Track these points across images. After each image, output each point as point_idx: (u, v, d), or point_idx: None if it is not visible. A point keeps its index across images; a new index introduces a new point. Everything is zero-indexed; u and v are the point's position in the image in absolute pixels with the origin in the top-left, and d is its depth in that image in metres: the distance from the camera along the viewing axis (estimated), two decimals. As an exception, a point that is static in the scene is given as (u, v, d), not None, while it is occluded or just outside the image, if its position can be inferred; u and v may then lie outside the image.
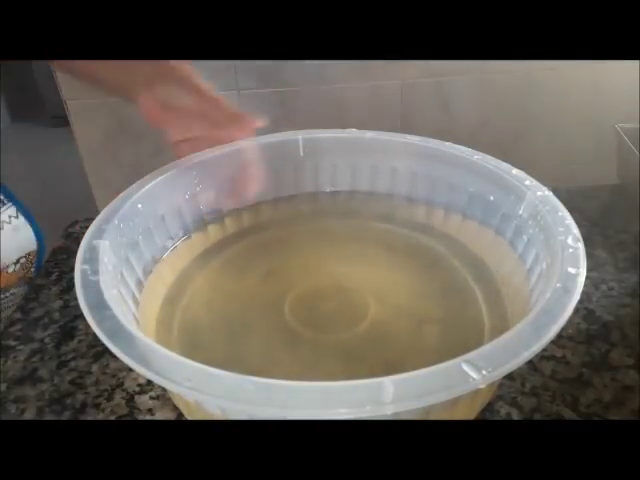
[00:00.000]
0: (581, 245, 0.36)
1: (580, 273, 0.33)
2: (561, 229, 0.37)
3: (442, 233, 0.50)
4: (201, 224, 0.50)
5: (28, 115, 2.56)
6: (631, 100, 0.83)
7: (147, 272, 0.44)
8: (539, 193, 0.41)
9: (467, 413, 0.36)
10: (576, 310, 0.48)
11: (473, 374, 0.27)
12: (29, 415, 0.41)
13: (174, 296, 0.45)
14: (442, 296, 0.45)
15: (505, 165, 0.45)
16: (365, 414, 0.25)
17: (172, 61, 0.46)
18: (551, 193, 0.41)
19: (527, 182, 0.43)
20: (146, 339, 0.30)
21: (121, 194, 0.43)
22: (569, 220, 0.38)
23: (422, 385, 0.26)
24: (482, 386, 0.26)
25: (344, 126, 0.52)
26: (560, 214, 0.39)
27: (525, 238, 0.42)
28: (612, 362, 0.43)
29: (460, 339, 0.41)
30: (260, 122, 0.48)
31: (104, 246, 0.37)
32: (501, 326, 0.41)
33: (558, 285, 0.32)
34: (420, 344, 0.41)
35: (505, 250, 0.44)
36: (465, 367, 0.27)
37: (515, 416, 0.39)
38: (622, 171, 0.66)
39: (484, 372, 0.27)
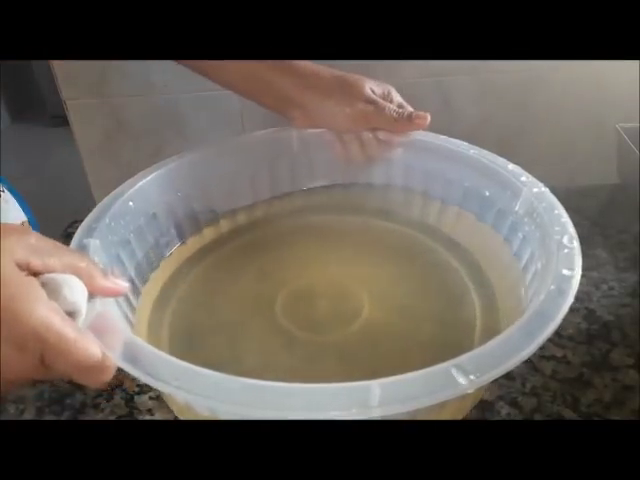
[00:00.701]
0: (577, 244, 0.35)
1: (575, 275, 0.33)
2: (557, 228, 0.37)
3: (437, 230, 0.50)
4: (195, 227, 0.49)
5: (28, 115, 2.55)
6: (632, 99, 0.83)
7: (139, 271, 0.43)
8: (535, 190, 0.41)
9: (455, 414, 0.36)
10: (577, 310, 0.48)
11: (461, 379, 0.26)
12: (28, 415, 0.40)
13: (166, 296, 0.45)
14: (436, 295, 0.44)
15: (501, 160, 0.44)
16: (352, 417, 0.25)
17: (318, 72, 0.48)
18: (547, 190, 0.41)
19: (523, 178, 0.42)
20: (135, 337, 0.30)
21: (112, 192, 0.42)
22: (565, 218, 0.38)
23: (410, 389, 0.26)
24: (470, 391, 0.26)
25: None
26: (556, 212, 0.38)
27: (521, 235, 0.41)
28: (612, 362, 0.43)
29: (453, 338, 0.40)
30: (424, 120, 0.47)
31: (95, 245, 0.37)
32: (494, 326, 0.40)
33: (552, 287, 0.32)
34: (413, 344, 0.41)
35: (500, 247, 0.44)
36: (454, 372, 0.26)
37: (515, 416, 0.39)
38: (622, 170, 0.66)
39: (472, 377, 0.26)
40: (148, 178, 0.44)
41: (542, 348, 0.44)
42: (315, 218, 0.53)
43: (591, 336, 0.46)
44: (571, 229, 0.37)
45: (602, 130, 0.86)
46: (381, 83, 0.49)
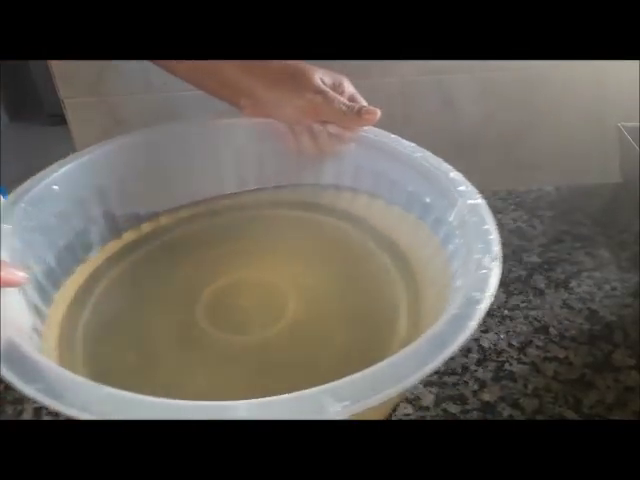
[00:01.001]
0: (496, 266, 0.33)
1: (484, 299, 0.30)
2: (480, 245, 0.34)
3: (373, 226, 0.48)
4: (136, 220, 0.46)
5: (26, 114, 2.55)
6: (634, 98, 0.82)
7: (60, 260, 0.41)
8: (470, 201, 0.38)
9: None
10: (579, 311, 0.48)
11: (332, 406, 0.25)
12: (27, 416, 0.40)
13: (82, 298, 0.42)
14: (365, 297, 0.43)
15: (445, 166, 0.42)
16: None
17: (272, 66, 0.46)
18: (484, 202, 0.38)
19: (462, 188, 0.40)
20: (12, 334, 0.28)
21: (37, 175, 0.40)
22: (493, 235, 0.35)
23: (278, 412, 0.25)
24: (341, 418, 0.25)
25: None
26: (485, 227, 0.36)
27: (451, 247, 0.39)
28: (615, 363, 0.43)
29: (371, 345, 0.39)
30: (374, 116, 0.45)
31: (5, 231, 0.35)
32: (415, 333, 0.38)
33: (456, 311, 0.29)
34: (329, 349, 0.39)
35: (434, 248, 0.41)
36: (325, 398, 0.25)
37: (517, 418, 0.39)
38: (624, 169, 0.65)
39: (346, 403, 0.25)
40: (75, 162, 0.42)
41: (544, 349, 0.44)
42: (253, 214, 0.51)
43: (593, 337, 0.46)
44: (495, 247, 0.34)
45: (603, 129, 0.85)
46: (333, 73, 0.47)
